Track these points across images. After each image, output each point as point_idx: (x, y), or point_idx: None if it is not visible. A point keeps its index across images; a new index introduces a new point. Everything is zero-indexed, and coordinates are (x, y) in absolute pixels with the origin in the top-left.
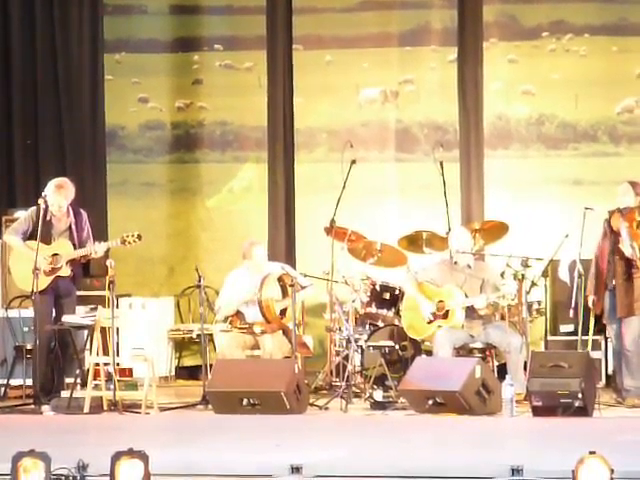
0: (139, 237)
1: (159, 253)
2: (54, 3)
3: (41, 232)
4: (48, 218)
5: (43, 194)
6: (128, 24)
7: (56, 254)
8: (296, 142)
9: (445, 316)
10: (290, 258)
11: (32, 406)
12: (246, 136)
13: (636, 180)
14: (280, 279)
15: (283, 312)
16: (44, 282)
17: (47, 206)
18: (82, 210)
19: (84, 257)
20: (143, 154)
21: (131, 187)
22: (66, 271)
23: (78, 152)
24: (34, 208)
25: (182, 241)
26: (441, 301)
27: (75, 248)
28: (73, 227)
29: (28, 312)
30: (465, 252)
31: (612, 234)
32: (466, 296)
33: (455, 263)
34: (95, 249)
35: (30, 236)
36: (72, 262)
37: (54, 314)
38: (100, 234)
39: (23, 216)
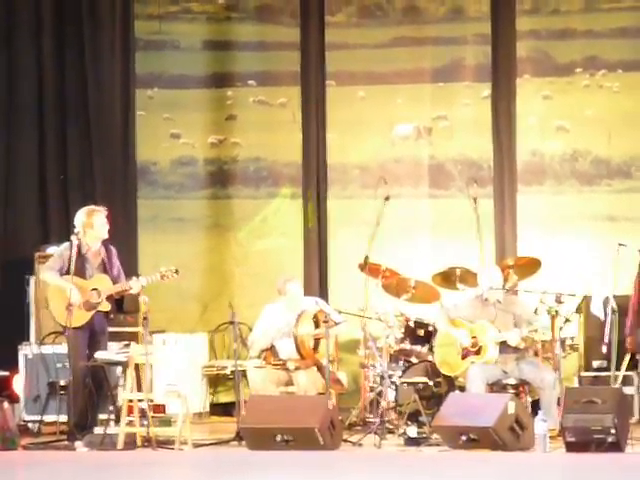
0: (177, 272)
1: (191, 289)
2: (85, 37)
3: (76, 267)
4: (84, 252)
5: (76, 230)
6: (160, 59)
7: (95, 289)
8: (329, 178)
9: (478, 352)
10: (323, 294)
11: (66, 442)
12: (280, 172)
13: None
14: (314, 316)
15: (316, 345)
16: (84, 317)
17: (80, 241)
18: (111, 246)
19: (120, 292)
20: (175, 190)
21: (162, 223)
22: (106, 306)
23: (109, 188)
24: (67, 244)
25: (215, 277)
26: (474, 337)
27: (114, 282)
28: (106, 261)
29: (62, 348)
30: (498, 289)
31: None
32: (499, 331)
33: (486, 300)
34: (132, 285)
35: (66, 273)
36: (109, 297)
37: (87, 350)
38: (131, 270)
39: (57, 253)
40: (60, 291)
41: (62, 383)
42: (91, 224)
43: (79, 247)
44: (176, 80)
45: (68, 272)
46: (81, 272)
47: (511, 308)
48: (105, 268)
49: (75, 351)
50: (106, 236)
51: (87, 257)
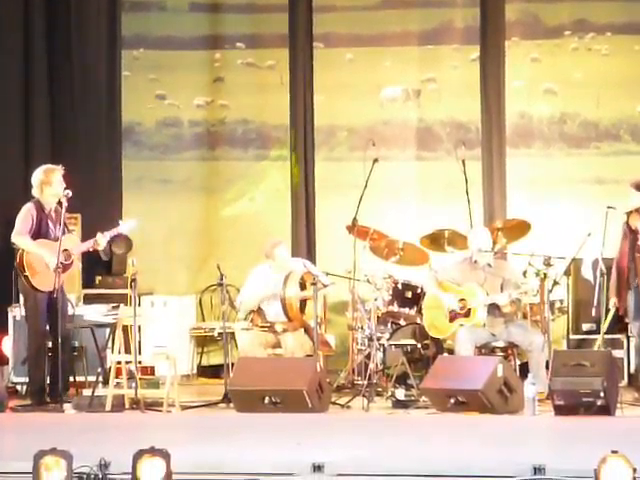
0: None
1: (178, 251)
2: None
3: (42, 228)
4: (47, 211)
5: (33, 189)
6: (146, 21)
7: (66, 250)
8: (317, 140)
9: (467, 314)
10: (310, 256)
11: (53, 405)
12: (268, 134)
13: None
14: (301, 278)
15: (303, 306)
16: (61, 279)
17: (40, 201)
18: (58, 206)
19: (88, 250)
20: (160, 151)
21: (147, 184)
22: (78, 265)
23: (94, 148)
24: (29, 204)
25: (201, 239)
26: (462, 299)
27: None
28: (65, 220)
29: None
30: (487, 251)
31: (631, 233)
32: (487, 294)
33: (475, 262)
34: (98, 240)
35: (35, 233)
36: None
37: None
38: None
39: (22, 214)
40: (37, 258)
41: (49, 345)
42: (49, 182)
43: (42, 206)
44: (162, 41)
45: (37, 232)
46: (47, 234)
47: (500, 272)
48: (66, 227)
49: (38, 316)
50: (62, 194)
51: (51, 216)
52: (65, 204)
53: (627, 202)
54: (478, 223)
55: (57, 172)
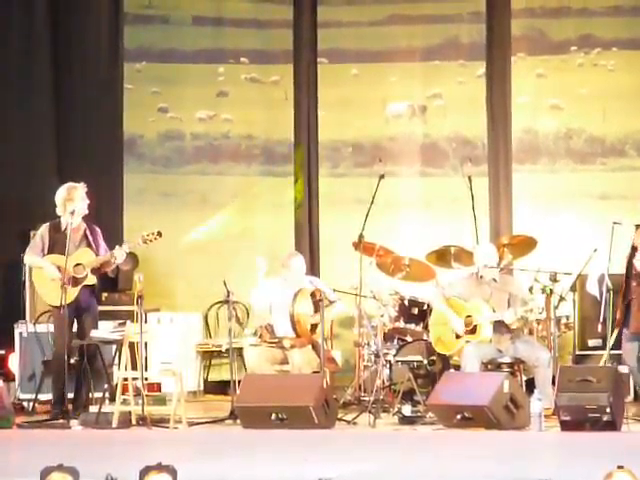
0: (159, 234)
1: (179, 266)
2: (74, 11)
3: (57, 244)
4: (63, 229)
5: (57, 207)
6: (149, 34)
7: (79, 264)
8: (321, 156)
9: (473, 331)
10: (313, 272)
11: (61, 421)
12: (271, 150)
13: None
14: (312, 295)
15: (314, 328)
16: (71, 294)
17: (60, 219)
18: (96, 227)
19: (106, 265)
20: (162, 164)
21: (149, 197)
22: (92, 279)
23: (96, 161)
24: (47, 224)
25: (204, 254)
26: (469, 316)
27: (97, 254)
28: (89, 237)
29: None
30: (493, 267)
31: (632, 250)
32: (493, 310)
33: (481, 277)
34: (115, 254)
35: (48, 253)
36: (94, 271)
37: (76, 328)
38: (117, 243)
39: (38, 233)
40: (42, 271)
41: (73, 361)
42: (71, 199)
43: (59, 224)
44: (165, 54)
45: (51, 251)
46: (62, 249)
47: (506, 287)
48: (88, 243)
49: (58, 330)
50: (86, 211)
51: (67, 234)
52: (98, 231)
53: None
54: (484, 239)
55: (79, 189)
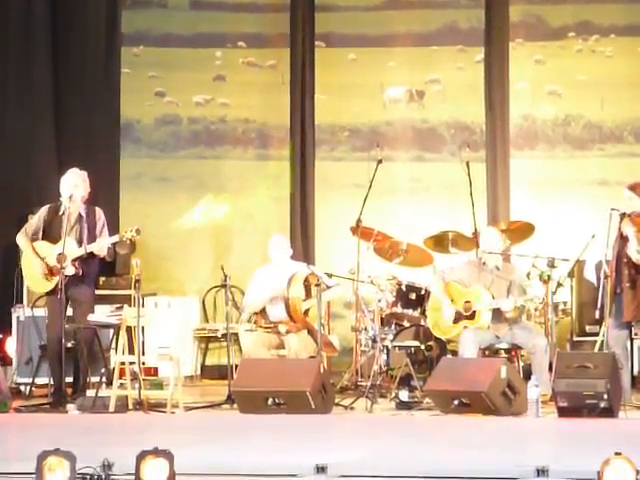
0: (138, 231)
1: (176, 250)
2: None
3: (52, 229)
4: (60, 213)
5: (69, 193)
6: (147, 18)
7: (61, 254)
8: (318, 140)
9: (472, 317)
10: (308, 257)
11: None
12: (268, 134)
13: (636, 182)
14: (305, 279)
15: (306, 312)
16: (51, 283)
17: (60, 203)
18: (98, 208)
19: (91, 256)
20: (159, 149)
21: (145, 182)
22: (70, 270)
23: (92, 145)
24: (47, 206)
25: (202, 239)
26: (468, 301)
27: (80, 245)
28: (84, 223)
29: None
30: (492, 252)
31: (621, 238)
32: (493, 297)
33: (484, 264)
34: (91, 247)
35: (44, 234)
36: (79, 261)
37: (73, 314)
38: (112, 229)
39: (36, 215)
40: (29, 260)
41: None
42: (75, 184)
43: (58, 208)
44: (163, 39)
45: (47, 235)
46: (53, 235)
47: (508, 275)
48: (81, 229)
49: (49, 317)
50: (85, 195)
51: (63, 219)
52: (98, 212)
53: (627, 204)
54: (482, 225)
55: (67, 174)
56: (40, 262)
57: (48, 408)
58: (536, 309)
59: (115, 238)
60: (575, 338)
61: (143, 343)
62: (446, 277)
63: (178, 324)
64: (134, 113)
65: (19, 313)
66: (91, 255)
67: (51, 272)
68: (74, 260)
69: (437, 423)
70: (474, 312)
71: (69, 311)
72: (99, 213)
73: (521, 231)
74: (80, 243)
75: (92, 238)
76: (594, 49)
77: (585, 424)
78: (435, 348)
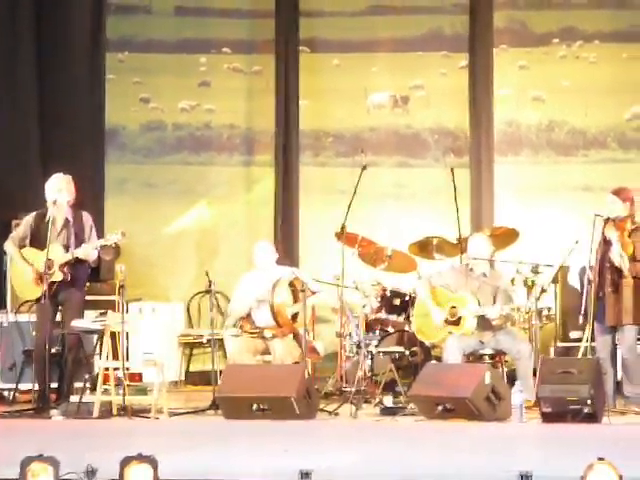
0: (123, 234)
1: (161, 256)
2: (58, 1)
3: (39, 234)
4: (47, 219)
5: (55, 197)
6: (132, 24)
7: (50, 259)
8: (302, 145)
9: (457, 322)
10: (293, 261)
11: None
12: (253, 139)
13: (620, 187)
14: (291, 284)
15: (294, 317)
16: (39, 289)
17: (47, 209)
18: (85, 212)
19: (80, 260)
20: (143, 154)
21: (130, 187)
22: (58, 276)
23: (78, 151)
24: (33, 213)
25: (187, 244)
26: (454, 307)
27: (68, 250)
28: (71, 228)
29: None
30: (477, 258)
31: (604, 243)
32: (479, 304)
33: (471, 270)
34: (76, 253)
35: (31, 240)
36: (68, 266)
37: (61, 319)
38: (98, 235)
39: (24, 221)
40: (19, 268)
41: (54, 351)
42: (59, 189)
43: (44, 214)
44: (147, 44)
45: (35, 241)
46: (41, 241)
47: (495, 282)
48: (68, 234)
49: (37, 323)
50: (71, 200)
51: (50, 224)
52: (85, 217)
53: (610, 209)
54: (466, 231)
55: (51, 179)
56: (30, 268)
57: (32, 414)
58: (523, 319)
59: (100, 242)
60: (559, 344)
61: (127, 349)
62: (433, 282)
63: (162, 330)
64: (119, 119)
65: (2, 319)
66: (80, 260)
67: (40, 278)
68: (62, 265)
69: (421, 429)
70: (459, 318)
71: (59, 316)
72: (86, 217)
73: (505, 237)
74: (67, 248)
75: (80, 243)
76: (578, 55)
77: (569, 429)
78: (419, 354)
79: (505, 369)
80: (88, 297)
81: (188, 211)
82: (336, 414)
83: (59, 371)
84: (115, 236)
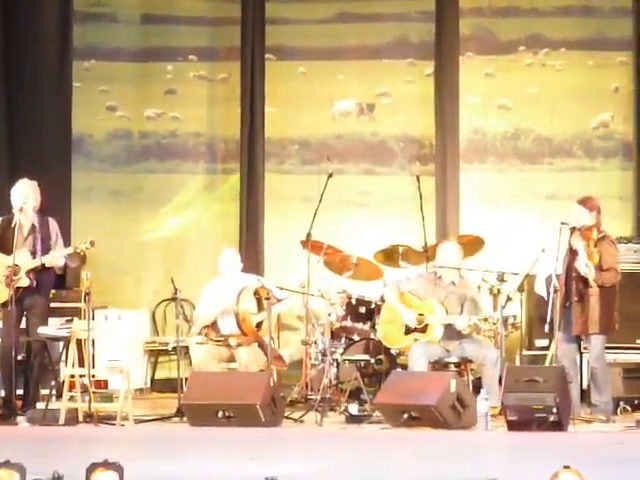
0: (92, 243)
1: (129, 264)
2: (24, 9)
3: (7, 241)
4: (13, 225)
5: (22, 203)
6: (98, 32)
7: (16, 265)
8: (267, 152)
9: (423, 330)
10: (258, 269)
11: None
12: (219, 147)
13: (586, 196)
14: (256, 292)
15: (259, 325)
16: (5, 294)
17: (12, 215)
18: (51, 218)
19: (37, 268)
20: (110, 163)
21: (97, 195)
22: (24, 282)
23: (44, 159)
24: (0, 218)
25: (153, 252)
26: (421, 314)
27: (34, 256)
28: (37, 234)
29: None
30: (442, 267)
31: (571, 252)
32: (447, 312)
33: (439, 278)
34: (44, 260)
35: None
36: (34, 272)
37: (26, 326)
38: (65, 242)
39: None
40: None
41: (20, 358)
42: (26, 194)
43: (10, 220)
44: (114, 53)
45: (2, 247)
46: (8, 247)
47: (463, 290)
48: (35, 240)
49: (3, 329)
50: (37, 205)
51: (16, 230)
52: (51, 222)
53: (577, 218)
54: (432, 239)
55: (16, 185)
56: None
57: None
58: (490, 329)
59: (69, 250)
60: (524, 352)
61: (93, 356)
62: (401, 287)
63: (128, 337)
64: (85, 127)
65: None
66: (45, 267)
67: (9, 282)
68: (28, 271)
69: (387, 437)
70: (426, 325)
71: (24, 322)
72: (52, 224)
73: (471, 245)
74: (34, 254)
75: (46, 249)
76: (544, 63)
77: (534, 437)
78: (385, 362)
79: (471, 377)
80: (54, 304)
81: (153, 219)
82: (301, 422)
83: (24, 378)
84: (84, 245)
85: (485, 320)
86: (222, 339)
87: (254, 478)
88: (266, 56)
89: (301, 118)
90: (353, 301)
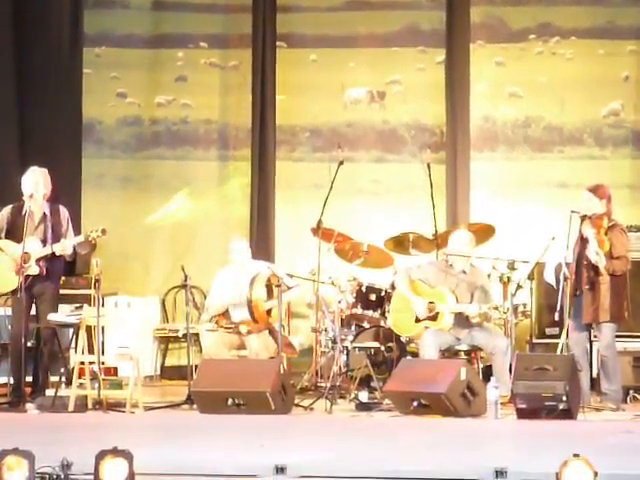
0: (103, 232)
1: (139, 251)
2: None
3: (15, 228)
4: (23, 213)
5: (32, 190)
6: (109, 18)
7: (26, 253)
8: (278, 140)
9: (434, 318)
10: (269, 256)
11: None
12: (230, 134)
13: (596, 184)
14: (267, 280)
15: (269, 312)
16: (15, 282)
17: (23, 202)
18: (61, 206)
19: (48, 256)
20: (121, 149)
21: (107, 182)
22: (34, 270)
23: (54, 145)
24: (10, 206)
25: (164, 239)
26: (432, 302)
27: (45, 244)
28: (48, 222)
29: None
30: (452, 254)
31: (581, 240)
32: (457, 301)
33: (450, 266)
34: (55, 248)
35: (8, 233)
36: (44, 260)
37: (36, 313)
38: (75, 229)
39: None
40: None
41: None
42: (36, 182)
43: (21, 207)
44: (124, 39)
45: (9, 234)
46: (19, 234)
47: (474, 279)
48: (46, 228)
49: (13, 316)
50: (47, 193)
51: (27, 218)
52: (62, 211)
53: (587, 206)
54: (442, 227)
55: (27, 173)
56: (8, 259)
57: (7, 407)
58: (500, 317)
59: (80, 238)
60: (534, 340)
61: (103, 343)
62: (412, 274)
63: (138, 324)
64: (96, 114)
65: None
66: (55, 254)
67: (20, 270)
68: (39, 259)
69: (396, 424)
70: (437, 313)
71: (34, 309)
72: (63, 212)
73: (481, 233)
74: (45, 242)
75: (57, 237)
76: (555, 51)
77: (544, 426)
78: (395, 349)
79: (481, 365)
80: (64, 291)
81: (163, 205)
82: (311, 409)
83: (34, 365)
84: (95, 233)
85: (495, 309)
86: (232, 326)
87: (264, 465)
88: (277, 44)
89: (312, 106)
90: (363, 289)
